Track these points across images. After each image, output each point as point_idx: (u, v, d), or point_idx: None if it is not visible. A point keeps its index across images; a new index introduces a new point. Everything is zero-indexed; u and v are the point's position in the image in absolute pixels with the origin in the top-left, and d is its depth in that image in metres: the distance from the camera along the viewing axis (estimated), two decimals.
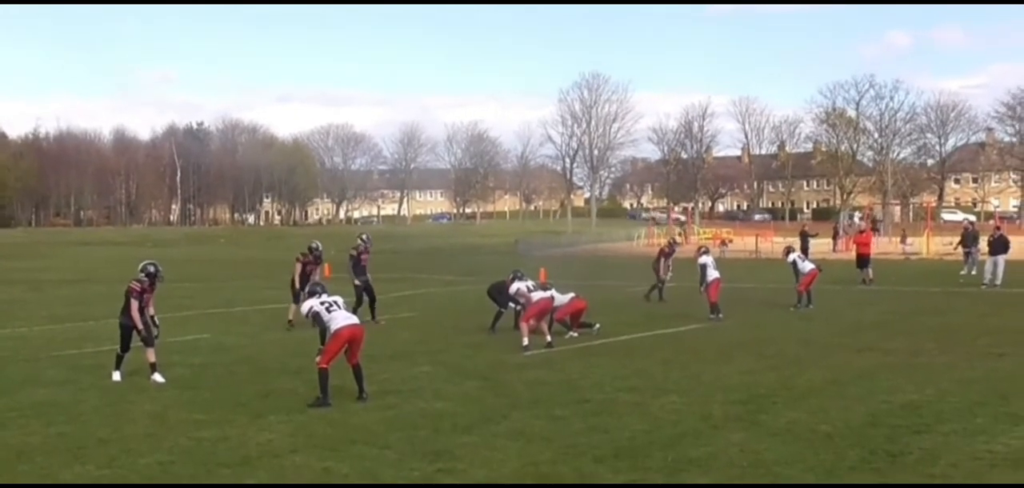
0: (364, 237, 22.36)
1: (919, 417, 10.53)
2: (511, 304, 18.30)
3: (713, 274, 21.27)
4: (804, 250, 38.67)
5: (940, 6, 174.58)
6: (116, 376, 13.45)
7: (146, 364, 13.43)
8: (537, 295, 17.25)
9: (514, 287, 17.83)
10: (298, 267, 20.05)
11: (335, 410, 11.22)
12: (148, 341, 13.49)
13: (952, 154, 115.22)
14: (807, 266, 23.59)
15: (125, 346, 13.57)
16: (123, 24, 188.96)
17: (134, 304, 13.45)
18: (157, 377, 13.30)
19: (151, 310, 13.79)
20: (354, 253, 21.42)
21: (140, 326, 13.43)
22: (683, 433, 10.01)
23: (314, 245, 20.64)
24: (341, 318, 12.08)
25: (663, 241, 35.45)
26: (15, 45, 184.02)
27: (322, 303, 12.28)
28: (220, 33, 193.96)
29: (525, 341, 16.13)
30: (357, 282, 20.96)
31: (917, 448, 9.19)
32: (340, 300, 12.50)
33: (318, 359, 11.96)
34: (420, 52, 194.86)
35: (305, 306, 12.75)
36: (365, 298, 20.76)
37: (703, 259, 21.77)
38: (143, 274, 13.69)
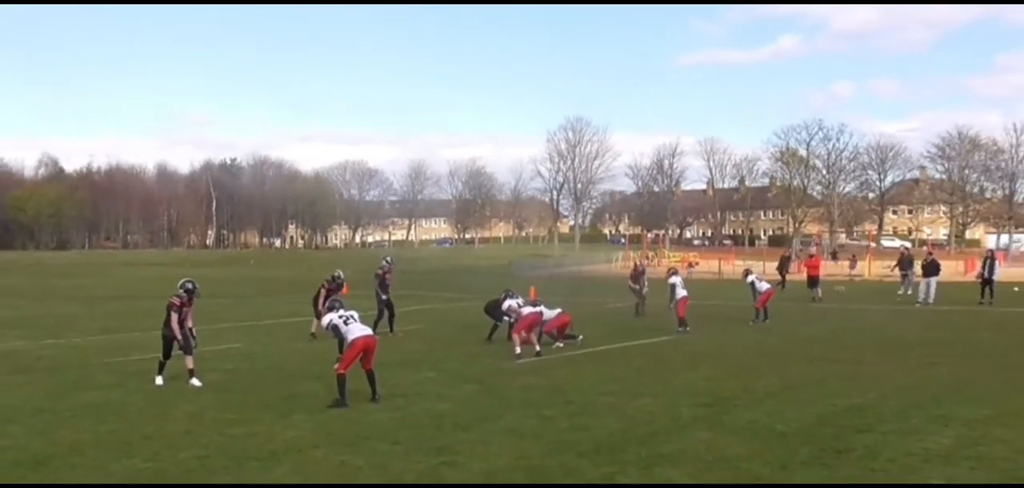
0: (388, 259, 22.44)
1: (862, 418, 10.56)
2: (504, 318, 18.31)
3: (681, 292, 21.27)
4: (782, 271, 38.71)
5: (880, 62, 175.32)
6: (159, 380, 13.42)
7: (185, 370, 13.41)
8: (527, 310, 17.28)
9: (506, 304, 17.88)
10: (323, 291, 19.98)
11: (351, 410, 11.21)
12: (187, 349, 13.47)
13: (890, 189, 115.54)
14: (763, 285, 23.56)
15: (166, 354, 13.56)
16: (167, 71, 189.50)
17: (174, 317, 13.45)
18: (195, 381, 13.28)
19: (190, 323, 13.77)
20: (380, 272, 21.47)
21: (179, 336, 13.41)
22: (655, 431, 10.03)
23: (337, 274, 20.64)
24: (356, 330, 12.09)
25: (630, 264, 35.17)
26: (72, 90, 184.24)
27: (340, 317, 12.30)
28: (251, 81, 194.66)
29: (517, 350, 16.14)
30: (384, 296, 20.96)
31: (860, 445, 9.21)
32: (356, 314, 12.50)
33: (336, 366, 12.00)
34: (426, 98, 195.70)
35: (325, 320, 12.77)
36: (385, 312, 20.76)
37: (673, 279, 21.80)
38: (182, 290, 13.69)
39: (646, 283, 26.66)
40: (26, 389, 13.34)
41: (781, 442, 9.40)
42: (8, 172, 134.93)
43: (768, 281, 25.04)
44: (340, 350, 12.46)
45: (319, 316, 17.59)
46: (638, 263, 29.89)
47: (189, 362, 13.45)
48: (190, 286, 13.79)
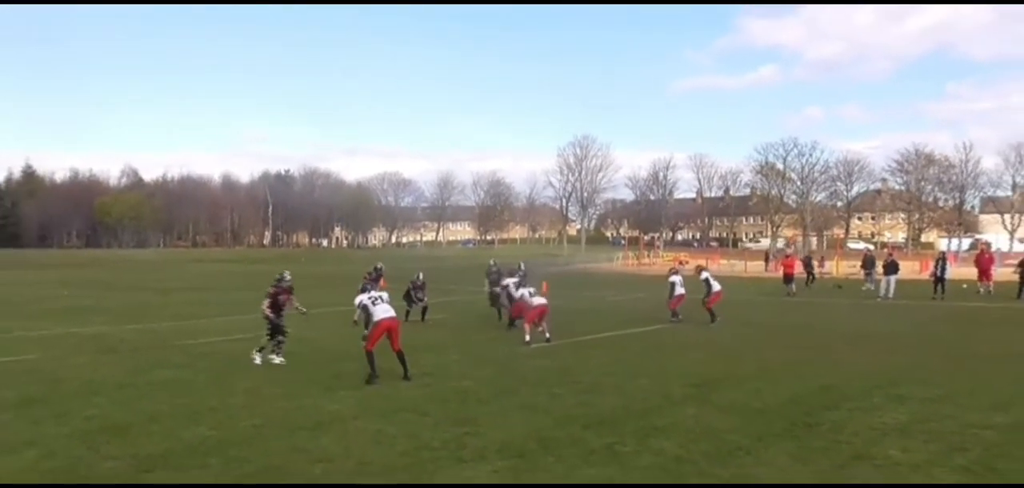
0: (420, 276, 22.09)
1: (829, 397, 10.51)
2: (503, 301, 18.13)
3: (680, 290, 20.82)
4: (808, 269, 38.22)
5: (847, 88, 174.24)
6: (256, 359, 13.40)
7: (263, 345, 13.50)
8: (537, 300, 17.03)
9: (513, 291, 17.79)
10: (366, 280, 20.06)
11: (386, 386, 11.25)
12: (277, 331, 13.52)
13: (855, 198, 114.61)
14: (716, 286, 21.36)
15: (272, 334, 13.54)
16: (231, 94, 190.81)
17: (268, 301, 13.47)
18: (275, 358, 13.30)
19: (294, 303, 13.88)
20: (412, 284, 21.55)
21: (272, 317, 13.45)
22: (651, 407, 10.01)
23: (379, 266, 20.83)
24: (382, 311, 12.03)
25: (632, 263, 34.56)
26: (151, 110, 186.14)
27: (370, 298, 12.27)
28: (303, 103, 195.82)
29: (527, 338, 16.06)
30: (420, 296, 21.09)
31: (828, 421, 9.17)
32: (385, 295, 12.46)
33: (364, 343, 11.99)
34: (453, 118, 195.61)
35: (357, 300, 12.68)
36: (414, 305, 20.81)
37: (673, 278, 21.11)
38: (280, 282, 13.72)
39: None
40: (111, 366, 13.47)
41: (759, 417, 9.36)
42: (96, 181, 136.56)
43: (720, 284, 22.09)
44: (366, 326, 12.43)
45: None
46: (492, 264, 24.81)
47: (273, 343, 13.48)
48: (288, 278, 13.85)
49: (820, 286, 37.70)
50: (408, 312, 19.62)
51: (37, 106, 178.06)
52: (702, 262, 27.24)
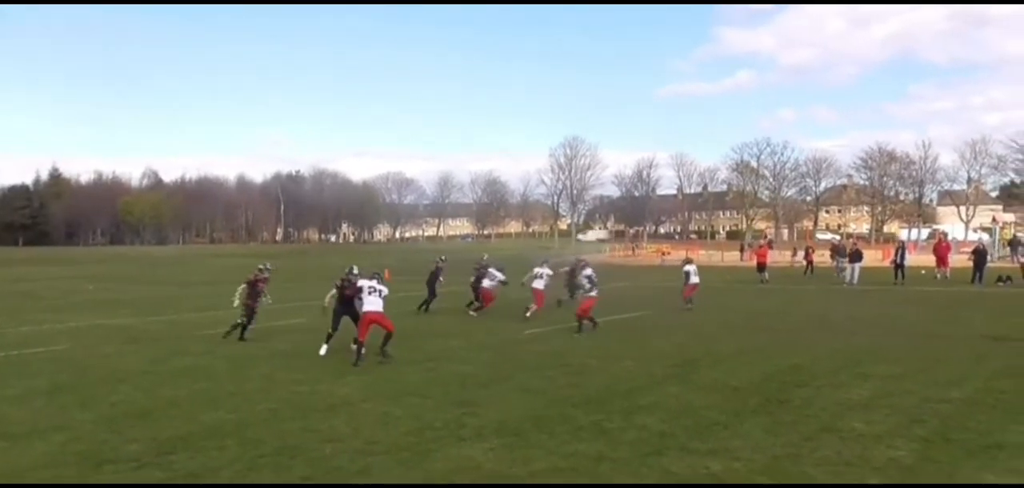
0: (443, 257, 22.30)
1: (800, 375, 10.55)
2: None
3: (694, 280, 20.62)
4: (808, 259, 38.07)
5: (816, 91, 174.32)
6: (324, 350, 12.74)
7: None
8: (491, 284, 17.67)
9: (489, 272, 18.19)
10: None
11: (391, 371, 11.24)
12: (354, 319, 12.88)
13: (824, 193, 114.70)
14: (695, 279, 21.11)
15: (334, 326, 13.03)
16: (244, 98, 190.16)
17: (333, 292, 12.85)
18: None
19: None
20: (433, 268, 21.49)
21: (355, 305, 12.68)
22: (635, 387, 10.04)
23: (441, 258, 21.88)
24: (368, 304, 12.02)
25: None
26: (170, 117, 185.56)
27: (368, 289, 12.17)
28: (313, 108, 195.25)
29: (471, 313, 17.03)
30: (440, 283, 21.11)
31: (798, 397, 9.21)
32: (383, 290, 12.30)
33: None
34: (453, 121, 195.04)
35: (360, 282, 12.48)
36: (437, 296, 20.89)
37: (687, 268, 20.82)
38: (347, 277, 13.11)
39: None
40: (134, 356, 13.45)
41: (735, 394, 9.40)
42: (119, 182, 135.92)
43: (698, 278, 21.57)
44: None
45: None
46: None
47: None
48: (355, 273, 13.11)
49: (794, 274, 37.82)
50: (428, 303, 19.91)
51: (63, 112, 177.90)
52: (690, 256, 27.33)
